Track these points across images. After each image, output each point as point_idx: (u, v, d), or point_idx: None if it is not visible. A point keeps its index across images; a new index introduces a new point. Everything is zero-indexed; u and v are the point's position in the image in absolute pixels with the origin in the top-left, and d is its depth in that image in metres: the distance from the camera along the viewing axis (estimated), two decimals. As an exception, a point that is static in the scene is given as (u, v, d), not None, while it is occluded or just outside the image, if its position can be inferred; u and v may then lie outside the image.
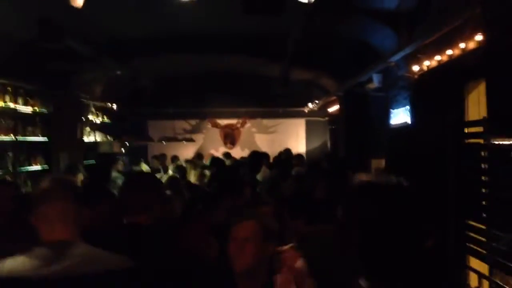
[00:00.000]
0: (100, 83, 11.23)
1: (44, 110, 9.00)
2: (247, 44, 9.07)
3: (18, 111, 8.15)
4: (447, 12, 4.71)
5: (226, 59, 10.64)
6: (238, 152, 13.72)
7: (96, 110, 11.67)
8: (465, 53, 4.97)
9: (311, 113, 14.54)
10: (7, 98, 7.79)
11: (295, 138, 14.88)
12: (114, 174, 9.11)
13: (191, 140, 14.28)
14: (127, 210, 3.04)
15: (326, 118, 14.32)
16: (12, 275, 2.08)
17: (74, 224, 2.25)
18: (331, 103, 12.69)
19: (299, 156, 10.45)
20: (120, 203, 3.18)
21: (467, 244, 4.93)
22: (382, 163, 8.48)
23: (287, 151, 11.36)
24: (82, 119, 10.61)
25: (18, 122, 8.18)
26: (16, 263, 2.14)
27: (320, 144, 14.74)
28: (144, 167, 10.01)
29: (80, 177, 7.70)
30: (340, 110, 11.44)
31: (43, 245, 2.20)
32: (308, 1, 3.50)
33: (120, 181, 8.90)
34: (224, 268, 2.71)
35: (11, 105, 7.90)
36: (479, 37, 4.58)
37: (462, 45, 4.97)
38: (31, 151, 8.67)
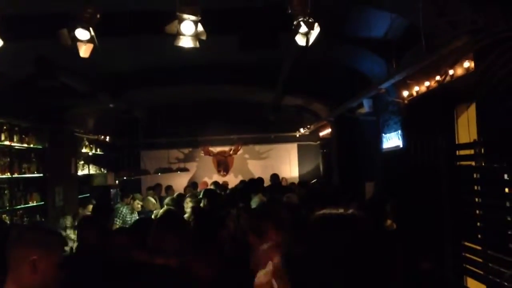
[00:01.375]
0: (94, 116, 11.31)
1: (39, 146, 9.06)
2: (239, 73, 9.21)
3: (14, 148, 8.21)
4: (435, 41, 4.85)
5: (218, 88, 10.76)
6: (232, 179, 13.80)
7: (89, 142, 11.73)
8: (454, 78, 5.10)
9: (303, 137, 14.64)
10: (3, 136, 7.86)
11: (288, 163, 14.96)
12: (118, 205, 9.13)
13: (185, 169, 14.33)
14: (160, 252, 3.15)
15: (318, 142, 14.43)
16: None
17: (21, 273, 2.33)
18: (323, 127, 12.81)
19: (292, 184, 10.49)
20: (154, 244, 3.28)
21: (464, 265, 5.01)
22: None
23: (275, 176, 11.46)
24: (76, 153, 10.66)
25: (14, 159, 8.23)
26: None
27: (312, 168, 14.82)
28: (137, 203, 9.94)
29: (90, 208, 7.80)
30: (331, 134, 11.56)
31: None
32: (306, 44, 3.63)
33: (124, 210, 8.92)
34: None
35: (7, 142, 7.96)
36: (466, 64, 4.73)
37: (450, 71, 5.10)
38: (27, 188, 8.70)
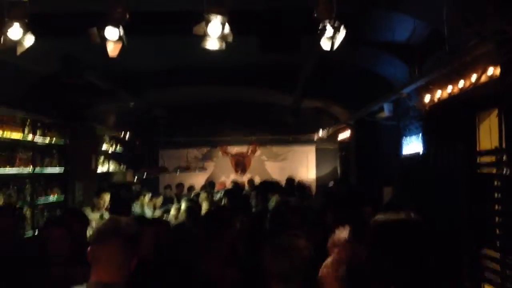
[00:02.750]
0: (114, 114, 11.42)
1: (60, 142, 9.18)
2: (259, 75, 9.22)
3: (36, 143, 8.33)
4: (459, 47, 4.84)
5: (237, 89, 10.80)
6: (249, 180, 13.84)
7: (109, 139, 11.85)
8: (477, 85, 5.07)
9: (321, 140, 14.62)
10: (26, 130, 7.98)
11: (305, 165, 14.96)
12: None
13: (203, 169, 14.42)
14: None
15: (336, 146, 14.41)
16: None
17: (121, 267, 2.33)
18: (341, 130, 12.79)
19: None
20: None
21: (482, 272, 4.99)
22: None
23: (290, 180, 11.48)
24: (96, 149, 10.79)
25: (36, 154, 8.35)
26: None
27: (330, 171, 14.78)
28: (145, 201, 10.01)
29: (106, 197, 7.79)
30: (350, 138, 11.54)
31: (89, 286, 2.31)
32: (331, 48, 3.65)
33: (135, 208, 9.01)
34: None
35: (29, 137, 8.08)
36: (490, 70, 4.70)
37: (473, 78, 5.07)
38: (48, 182, 8.82)
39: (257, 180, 12.98)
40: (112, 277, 2.29)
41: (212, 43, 3.76)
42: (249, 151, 14.96)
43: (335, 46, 3.71)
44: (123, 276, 2.33)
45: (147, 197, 9.57)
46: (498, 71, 4.56)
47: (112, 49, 3.80)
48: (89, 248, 2.35)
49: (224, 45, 3.80)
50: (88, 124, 10.04)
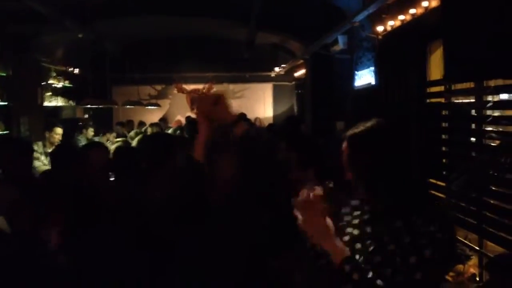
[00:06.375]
0: (61, 46, 10.95)
1: (2, 74, 8.74)
2: (212, 6, 8.93)
3: (-26, 73, 7.91)
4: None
5: (191, 22, 10.45)
6: (205, 117, 13.64)
7: (57, 74, 11.40)
8: (428, 11, 4.97)
9: (278, 77, 14.46)
10: (-37, 60, 7.55)
11: (262, 103, 14.85)
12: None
13: (156, 105, 14.07)
14: None
15: (293, 83, 14.29)
16: None
17: None
18: (298, 67, 12.65)
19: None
20: None
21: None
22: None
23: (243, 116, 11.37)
24: (42, 83, 10.37)
25: (-26, 85, 7.94)
26: None
27: (287, 109, 14.73)
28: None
29: (59, 131, 7.43)
30: (306, 73, 11.41)
31: None
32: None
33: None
34: None
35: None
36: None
37: (425, 4, 4.96)
38: (-10, 115, 8.45)
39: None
40: None
41: None
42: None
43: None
44: None
45: (90, 130, 9.37)
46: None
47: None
48: None
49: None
50: (32, 56, 9.58)
